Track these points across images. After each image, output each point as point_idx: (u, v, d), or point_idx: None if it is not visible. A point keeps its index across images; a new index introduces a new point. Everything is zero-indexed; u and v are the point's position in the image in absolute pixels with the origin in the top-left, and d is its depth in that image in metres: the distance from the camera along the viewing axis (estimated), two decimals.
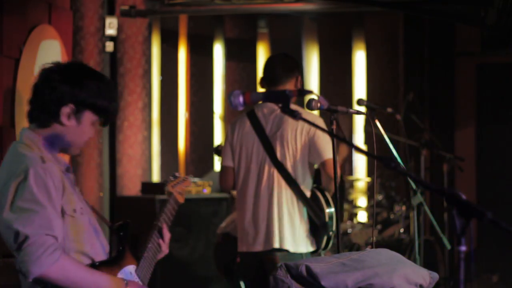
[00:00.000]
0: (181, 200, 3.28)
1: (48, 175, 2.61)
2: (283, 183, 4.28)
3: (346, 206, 6.77)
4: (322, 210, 4.29)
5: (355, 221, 6.66)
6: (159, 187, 6.28)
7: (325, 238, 4.31)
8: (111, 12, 6.94)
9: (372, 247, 4.12)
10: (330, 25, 7.98)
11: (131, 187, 7.01)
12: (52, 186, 2.61)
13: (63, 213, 2.66)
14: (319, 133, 4.27)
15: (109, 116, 2.82)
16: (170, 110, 7.72)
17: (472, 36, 7.50)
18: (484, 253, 6.87)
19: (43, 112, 2.73)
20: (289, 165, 4.28)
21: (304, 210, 4.30)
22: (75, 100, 2.71)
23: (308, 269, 2.79)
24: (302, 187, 4.30)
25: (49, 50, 5.61)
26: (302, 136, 4.30)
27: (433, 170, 7.29)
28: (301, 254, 4.26)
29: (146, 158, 7.27)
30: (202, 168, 7.65)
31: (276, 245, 4.26)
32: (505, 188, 7.51)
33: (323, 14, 7.73)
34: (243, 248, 4.39)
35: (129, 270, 2.85)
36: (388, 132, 4.29)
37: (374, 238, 6.30)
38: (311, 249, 4.31)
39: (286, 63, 4.42)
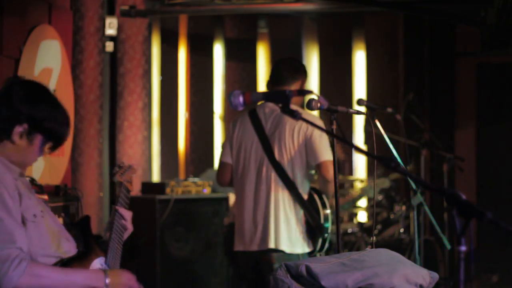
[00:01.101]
0: (130, 188, 3.33)
1: (2, 187, 2.60)
2: (280, 183, 4.28)
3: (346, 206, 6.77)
4: (318, 212, 4.29)
5: (355, 221, 6.66)
6: (159, 187, 6.28)
7: (320, 240, 4.30)
8: (111, 12, 6.94)
9: (372, 247, 4.12)
10: (330, 25, 7.98)
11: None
12: (8, 196, 2.59)
13: (24, 220, 2.63)
14: (317, 134, 4.27)
15: (59, 143, 2.81)
16: (170, 110, 7.72)
17: (472, 36, 7.49)
18: (484, 253, 6.87)
19: None
20: (286, 166, 4.28)
21: (301, 211, 4.30)
22: (29, 121, 2.69)
23: (308, 269, 2.79)
24: (299, 188, 4.30)
25: (49, 50, 5.61)
26: (299, 136, 4.30)
27: (433, 170, 7.29)
28: (297, 255, 4.26)
29: (146, 158, 7.27)
30: (202, 168, 7.65)
31: (272, 245, 4.25)
32: (505, 188, 7.51)
33: (323, 14, 7.73)
34: (239, 247, 4.39)
35: (100, 262, 2.85)
36: (388, 132, 4.29)
37: (374, 238, 6.30)
38: (307, 250, 4.30)
39: (293, 66, 4.45)
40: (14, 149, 2.72)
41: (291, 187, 4.28)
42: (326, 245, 4.35)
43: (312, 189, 4.39)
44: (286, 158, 4.29)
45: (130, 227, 3.11)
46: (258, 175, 4.33)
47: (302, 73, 4.45)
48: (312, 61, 7.87)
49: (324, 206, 4.31)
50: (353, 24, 7.80)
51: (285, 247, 4.25)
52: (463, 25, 7.45)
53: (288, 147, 4.29)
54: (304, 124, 4.27)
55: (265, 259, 4.30)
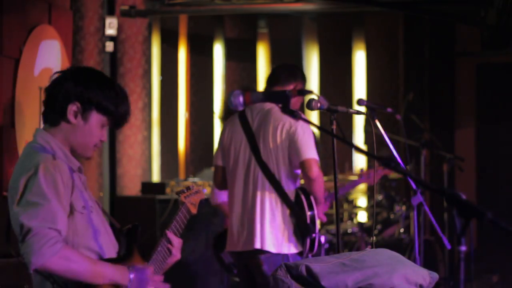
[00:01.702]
0: (193, 210, 3.29)
1: (58, 171, 2.66)
2: (266, 183, 4.28)
3: (346, 206, 6.77)
4: (304, 213, 4.26)
5: (355, 221, 6.66)
6: (159, 187, 6.29)
7: (308, 240, 4.27)
8: (111, 12, 6.94)
9: (372, 247, 4.12)
10: (330, 25, 7.98)
11: (131, 187, 7.02)
12: (61, 182, 2.66)
13: (72, 209, 2.71)
14: (300, 132, 4.24)
15: (117, 119, 2.85)
16: (170, 110, 7.72)
17: (472, 36, 7.50)
18: (484, 253, 6.87)
19: (52, 111, 2.79)
20: (272, 165, 4.28)
21: (287, 211, 4.28)
22: (80, 98, 2.75)
23: (308, 269, 2.79)
24: (285, 187, 4.28)
25: (49, 50, 5.62)
26: (282, 134, 4.29)
27: (433, 170, 7.29)
28: (286, 255, 4.23)
29: (146, 158, 7.27)
30: (202, 168, 7.65)
31: (257, 245, 4.24)
32: (505, 188, 7.51)
33: (323, 14, 7.73)
34: (229, 248, 4.40)
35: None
36: (388, 132, 4.29)
37: (374, 238, 6.30)
38: (294, 250, 4.25)
39: (290, 68, 4.47)
40: (73, 129, 2.77)
41: (277, 186, 4.27)
42: (316, 245, 4.32)
43: (301, 189, 4.36)
44: (270, 157, 4.28)
45: (175, 254, 3.09)
46: (246, 175, 4.34)
47: (298, 77, 4.45)
48: (312, 61, 7.88)
49: (310, 207, 4.29)
50: (353, 24, 7.80)
51: (271, 247, 4.23)
52: (463, 25, 7.45)
53: (273, 146, 4.29)
54: (287, 122, 4.27)
55: (252, 261, 4.30)
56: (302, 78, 4.49)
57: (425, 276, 2.89)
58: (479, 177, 7.77)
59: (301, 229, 4.26)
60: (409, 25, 7.79)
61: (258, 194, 4.29)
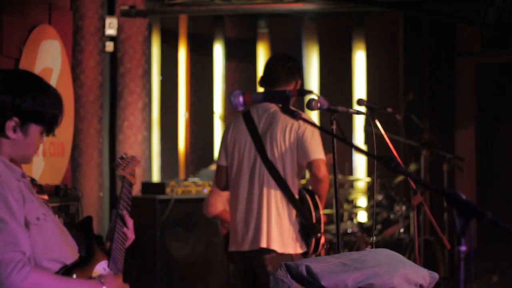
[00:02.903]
0: (133, 181, 3.22)
1: (6, 189, 2.56)
2: (272, 183, 4.27)
3: (346, 206, 6.77)
4: (310, 212, 4.27)
5: (355, 221, 6.66)
6: (159, 187, 6.28)
7: (313, 241, 4.28)
8: (111, 12, 6.94)
9: (372, 247, 4.11)
10: (330, 25, 7.98)
11: None
12: (12, 200, 2.56)
13: (27, 223, 2.60)
14: (309, 133, 4.25)
15: (55, 125, 2.76)
16: (170, 110, 7.72)
17: (472, 36, 7.50)
18: (484, 253, 6.87)
19: None
20: (279, 165, 4.27)
21: (293, 211, 4.28)
22: (18, 113, 2.64)
23: (308, 269, 2.79)
24: (291, 187, 4.28)
25: (49, 50, 5.61)
26: (291, 135, 4.29)
27: (433, 170, 7.29)
28: (290, 255, 4.22)
29: (146, 158, 7.27)
30: (202, 168, 7.66)
31: (263, 244, 4.24)
32: (505, 188, 7.51)
33: (323, 14, 7.73)
34: (232, 248, 4.39)
35: (102, 267, 2.83)
36: (388, 132, 4.29)
37: (374, 238, 6.30)
38: (300, 251, 4.26)
39: (287, 65, 4.42)
40: (12, 144, 2.67)
41: (283, 186, 4.27)
42: (320, 246, 4.33)
43: (305, 189, 4.37)
44: (277, 157, 4.28)
45: (131, 236, 3.04)
46: (251, 175, 4.33)
47: (297, 73, 4.43)
48: (312, 61, 7.87)
49: (316, 207, 4.29)
50: (353, 24, 7.80)
51: (277, 247, 4.23)
52: (463, 25, 7.45)
53: (280, 146, 4.29)
54: (296, 123, 4.27)
55: (257, 260, 4.29)
56: (299, 72, 4.48)
57: (425, 276, 2.89)
58: (479, 177, 7.77)
59: (307, 229, 4.27)
60: (409, 25, 7.79)
61: (264, 193, 4.28)
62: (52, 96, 2.71)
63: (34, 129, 2.68)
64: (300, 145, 4.26)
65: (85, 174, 6.69)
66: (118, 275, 2.86)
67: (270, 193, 4.28)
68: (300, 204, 4.28)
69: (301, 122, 4.25)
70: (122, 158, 3.24)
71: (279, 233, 4.24)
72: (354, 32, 7.78)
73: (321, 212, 4.33)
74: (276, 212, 4.27)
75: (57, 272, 2.67)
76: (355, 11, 7.63)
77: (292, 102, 4.43)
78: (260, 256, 4.26)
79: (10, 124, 2.64)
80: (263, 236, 4.25)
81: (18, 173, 2.69)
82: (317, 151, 4.23)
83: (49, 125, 2.73)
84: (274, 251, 4.23)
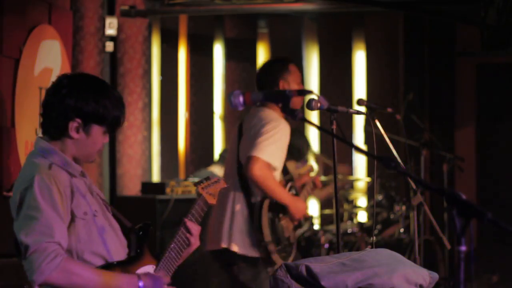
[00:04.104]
0: (212, 201, 3.25)
1: (53, 181, 2.67)
2: (238, 185, 4.26)
3: (346, 206, 6.77)
4: (258, 219, 4.20)
5: (355, 221, 6.66)
6: (159, 187, 6.28)
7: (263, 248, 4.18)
8: (111, 12, 6.94)
9: (372, 247, 4.11)
10: (330, 25, 7.98)
11: (131, 187, 7.02)
12: (57, 192, 2.66)
13: (73, 216, 2.71)
14: (267, 130, 4.16)
15: (114, 125, 2.87)
16: (170, 110, 7.72)
17: (472, 36, 7.49)
18: (484, 253, 6.87)
19: (52, 126, 2.81)
20: (243, 165, 4.26)
21: (248, 214, 4.23)
22: (80, 114, 2.78)
23: (308, 269, 2.79)
24: (251, 188, 4.23)
25: (49, 50, 5.61)
26: (250, 133, 4.26)
27: (433, 170, 7.29)
28: (251, 258, 4.19)
29: (146, 158, 7.27)
30: (202, 168, 7.66)
31: (224, 244, 4.23)
32: (505, 188, 7.51)
33: (323, 14, 7.73)
34: (204, 247, 4.38)
35: (147, 270, 2.86)
36: (388, 132, 4.29)
37: (374, 238, 6.30)
38: (255, 254, 4.21)
39: (271, 69, 4.42)
40: (75, 144, 2.80)
41: (245, 189, 4.25)
42: (269, 255, 4.18)
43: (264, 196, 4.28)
44: (241, 156, 4.28)
45: (194, 242, 3.08)
46: (227, 177, 4.34)
47: (280, 74, 4.36)
48: (312, 61, 7.87)
49: (273, 218, 4.20)
50: (353, 24, 7.80)
51: (237, 248, 4.21)
52: (463, 25, 7.45)
53: (244, 145, 4.28)
54: (257, 121, 4.23)
55: (219, 258, 4.31)
56: (282, 70, 4.39)
57: (425, 276, 2.89)
58: (479, 177, 7.77)
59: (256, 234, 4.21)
60: (409, 25, 7.79)
61: (231, 194, 4.27)
62: (113, 99, 2.84)
63: (97, 129, 2.81)
64: (252, 140, 4.20)
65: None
66: (160, 275, 2.87)
67: (235, 193, 4.27)
68: (251, 208, 4.21)
69: (268, 119, 4.21)
70: (207, 178, 3.29)
71: (240, 235, 4.21)
72: (354, 32, 7.78)
73: (282, 223, 4.25)
74: (239, 214, 4.23)
75: (100, 266, 2.74)
76: (355, 11, 7.63)
77: (300, 102, 4.43)
78: (221, 253, 4.26)
79: (73, 125, 2.77)
80: (224, 237, 4.23)
81: (77, 170, 2.81)
82: (259, 149, 4.11)
83: (111, 126, 2.85)
84: (234, 253, 4.20)
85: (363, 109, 4.45)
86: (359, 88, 7.72)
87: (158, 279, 2.83)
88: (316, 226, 6.72)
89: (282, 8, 7.33)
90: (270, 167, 4.14)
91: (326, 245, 6.12)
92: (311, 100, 3.24)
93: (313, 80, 7.81)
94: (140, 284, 2.73)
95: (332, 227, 6.31)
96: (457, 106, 7.84)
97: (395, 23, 7.87)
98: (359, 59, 7.76)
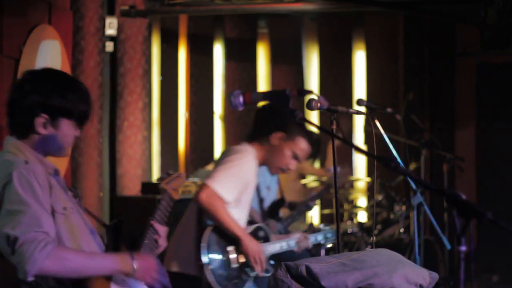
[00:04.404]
0: (175, 196, 3.27)
1: (32, 174, 2.62)
2: (196, 209, 4.25)
3: (346, 206, 6.77)
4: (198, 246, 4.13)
5: (355, 221, 6.66)
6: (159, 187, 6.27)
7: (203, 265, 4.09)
8: (111, 12, 6.94)
9: (372, 247, 4.11)
10: (330, 25, 7.98)
11: (131, 187, 7.02)
12: (37, 184, 2.62)
13: (53, 211, 2.66)
14: (226, 157, 4.17)
15: (82, 119, 2.82)
16: (170, 110, 7.72)
17: (472, 36, 7.49)
18: (484, 253, 6.87)
19: (19, 124, 2.76)
20: None
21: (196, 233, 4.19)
22: (46, 109, 2.72)
23: (308, 269, 2.79)
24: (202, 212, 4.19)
25: (49, 50, 5.62)
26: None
27: (433, 170, 7.29)
28: (193, 276, 4.12)
29: (146, 158, 7.27)
30: (202, 168, 7.66)
31: (166, 265, 4.19)
32: (505, 188, 7.50)
33: (323, 14, 7.73)
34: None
35: None
36: (388, 132, 4.29)
37: (374, 238, 6.30)
38: (194, 273, 4.11)
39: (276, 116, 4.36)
40: (45, 140, 2.75)
41: (194, 210, 4.25)
42: (209, 274, 4.07)
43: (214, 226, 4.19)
44: None
45: (162, 244, 3.07)
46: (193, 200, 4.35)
47: (273, 124, 4.33)
48: (312, 61, 7.88)
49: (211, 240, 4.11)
50: (353, 24, 7.80)
51: (175, 267, 4.16)
52: (463, 25, 7.45)
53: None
54: (228, 151, 4.26)
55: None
56: (278, 120, 4.33)
57: (425, 276, 2.89)
58: (479, 177, 7.77)
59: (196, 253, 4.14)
60: (409, 25, 7.79)
61: (185, 216, 4.32)
62: (80, 93, 2.79)
63: (65, 123, 2.76)
64: (213, 168, 4.23)
65: (85, 174, 6.69)
66: (151, 255, 2.89)
67: (185, 216, 4.33)
68: (201, 231, 4.16)
69: (236, 153, 4.18)
70: (168, 174, 3.31)
71: (179, 254, 4.19)
72: (354, 32, 7.79)
73: (230, 253, 4.14)
74: (182, 233, 4.23)
75: None
76: (355, 11, 7.63)
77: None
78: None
79: (40, 121, 2.72)
80: (167, 255, 4.22)
81: (51, 168, 2.76)
82: (212, 177, 4.09)
83: (79, 120, 2.80)
84: (172, 272, 4.15)
85: (363, 109, 4.45)
86: (359, 88, 7.72)
87: (150, 258, 2.84)
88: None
89: (282, 8, 7.33)
90: (219, 197, 4.06)
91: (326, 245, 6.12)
92: (311, 100, 3.23)
93: (313, 80, 7.81)
94: (135, 264, 2.72)
95: (332, 227, 6.31)
96: (457, 106, 7.84)
97: (395, 23, 7.87)
98: (359, 59, 7.77)
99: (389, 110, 4.65)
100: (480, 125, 7.83)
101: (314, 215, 7.27)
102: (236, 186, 4.13)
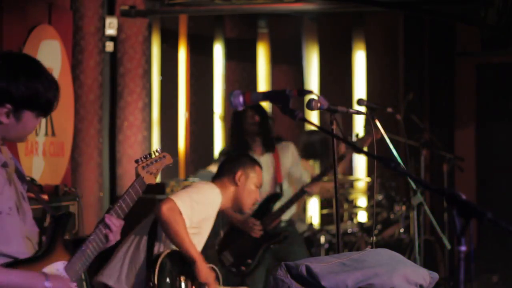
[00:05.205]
0: (151, 181, 3.18)
1: None
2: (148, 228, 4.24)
3: (346, 206, 6.77)
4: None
5: (355, 221, 6.66)
6: (159, 187, 6.27)
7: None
8: (111, 12, 6.94)
9: (372, 247, 4.11)
10: (330, 25, 7.98)
11: None
12: None
13: None
14: (193, 184, 4.34)
15: (49, 109, 2.77)
16: (170, 110, 7.72)
17: (472, 36, 7.50)
18: (484, 253, 6.87)
19: None
20: None
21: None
22: (10, 100, 2.66)
23: (308, 269, 2.79)
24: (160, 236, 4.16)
25: (49, 50, 5.62)
26: None
27: (433, 170, 7.29)
28: None
29: None
30: (203, 168, 7.65)
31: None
32: (505, 188, 7.50)
33: (323, 14, 7.73)
34: None
35: (56, 267, 2.72)
36: (388, 132, 4.29)
37: (374, 238, 6.30)
38: None
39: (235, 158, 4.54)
40: (5, 127, 2.69)
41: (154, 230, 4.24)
42: None
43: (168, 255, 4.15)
44: None
45: (113, 239, 2.92)
46: None
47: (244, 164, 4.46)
48: (312, 61, 7.87)
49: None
50: (353, 24, 7.80)
51: (112, 283, 4.10)
52: (463, 25, 7.45)
53: None
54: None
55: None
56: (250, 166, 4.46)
57: (425, 276, 2.89)
58: (479, 177, 7.77)
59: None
60: (409, 25, 7.79)
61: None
62: (46, 82, 2.72)
63: (27, 114, 2.70)
64: None
65: (85, 174, 6.68)
66: (72, 279, 2.74)
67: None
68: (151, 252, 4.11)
69: (205, 184, 4.32)
70: (149, 154, 3.16)
71: (120, 270, 4.12)
72: (354, 32, 7.79)
73: (181, 277, 4.11)
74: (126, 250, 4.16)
75: (7, 264, 2.60)
76: (355, 11, 7.63)
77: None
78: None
79: (3, 110, 2.66)
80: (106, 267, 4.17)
81: (0, 161, 2.70)
82: (176, 194, 4.14)
83: (44, 109, 2.74)
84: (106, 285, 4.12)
85: (363, 109, 4.45)
86: (359, 88, 7.72)
87: (66, 281, 2.69)
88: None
89: (282, 8, 7.33)
90: (180, 212, 4.04)
91: (326, 245, 6.12)
92: (311, 100, 3.23)
93: (313, 80, 7.81)
94: (47, 284, 2.60)
95: (332, 227, 6.31)
96: (457, 106, 7.84)
97: (395, 23, 7.87)
98: (359, 59, 7.76)
99: (389, 110, 4.65)
100: (480, 125, 7.83)
101: (314, 215, 7.27)
102: (199, 212, 4.13)
